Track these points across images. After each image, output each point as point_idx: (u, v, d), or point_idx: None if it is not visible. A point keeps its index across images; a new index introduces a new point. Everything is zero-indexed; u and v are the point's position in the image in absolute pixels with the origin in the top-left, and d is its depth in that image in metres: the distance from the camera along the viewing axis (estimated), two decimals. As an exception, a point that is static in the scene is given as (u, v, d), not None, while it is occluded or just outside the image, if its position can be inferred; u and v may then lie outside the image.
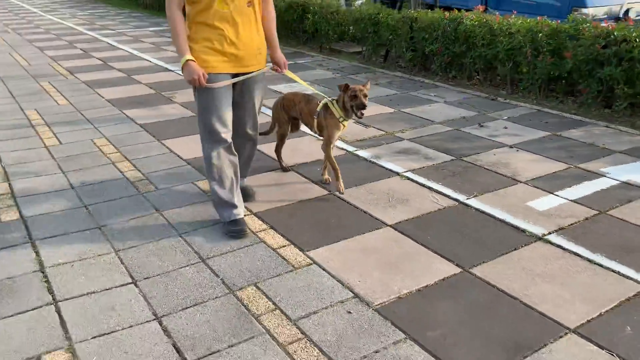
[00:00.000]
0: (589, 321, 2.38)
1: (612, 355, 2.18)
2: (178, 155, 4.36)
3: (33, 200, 3.57)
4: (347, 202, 3.52)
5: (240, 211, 3.14)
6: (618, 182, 3.83)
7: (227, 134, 3.04)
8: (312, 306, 2.47)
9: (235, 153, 3.14)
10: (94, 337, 2.28)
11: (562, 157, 4.28)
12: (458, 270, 2.77)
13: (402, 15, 7.69)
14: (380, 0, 10.84)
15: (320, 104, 3.57)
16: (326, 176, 3.81)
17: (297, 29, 9.94)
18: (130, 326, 2.35)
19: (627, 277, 2.70)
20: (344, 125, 3.54)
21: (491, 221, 3.28)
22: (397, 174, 3.97)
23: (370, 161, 4.23)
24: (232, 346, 2.23)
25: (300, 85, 3.69)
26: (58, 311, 2.46)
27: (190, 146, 4.50)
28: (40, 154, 4.44)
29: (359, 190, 3.68)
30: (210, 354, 2.19)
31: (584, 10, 8.47)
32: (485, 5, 9.79)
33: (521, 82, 6.40)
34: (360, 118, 3.43)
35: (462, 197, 3.59)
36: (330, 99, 3.56)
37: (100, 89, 6.58)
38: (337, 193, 3.58)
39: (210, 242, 3.04)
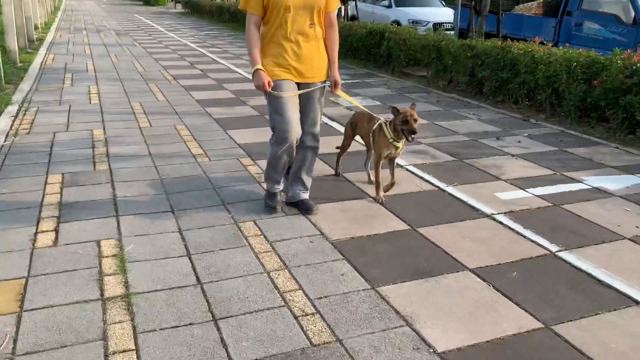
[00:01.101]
0: (487, 266, 3.12)
1: (488, 284, 2.91)
2: (234, 140, 5.50)
3: (120, 159, 4.84)
4: (347, 180, 4.43)
5: (279, 186, 3.73)
6: (590, 187, 4.40)
7: (291, 133, 3.45)
8: (286, 234, 3.43)
9: (293, 156, 3.60)
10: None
11: (553, 167, 4.89)
12: (407, 227, 3.59)
13: (461, 43, 8.45)
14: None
15: (376, 124, 3.93)
16: (380, 194, 4.00)
17: (375, 53, 10.96)
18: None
19: (540, 245, 3.38)
20: (395, 147, 3.83)
21: (456, 202, 4.05)
22: (400, 166, 4.80)
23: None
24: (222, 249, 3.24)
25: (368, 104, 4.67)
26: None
27: (246, 136, 5.62)
28: (134, 132, 5.78)
29: (362, 174, 4.55)
30: (205, 252, 3.21)
31: (649, 46, 8.73)
32: (557, 39, 10.27)
33: (560, 108, 6.92)
34: (411, 142, 3.77)
35: (442, 185, 4.37)
36: (384, 120, 3.91)
37: (193, 92, 7.99)
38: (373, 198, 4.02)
39: (236, 192, 4.10)
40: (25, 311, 2.59)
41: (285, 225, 3.58)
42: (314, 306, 2.69)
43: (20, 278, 2.87)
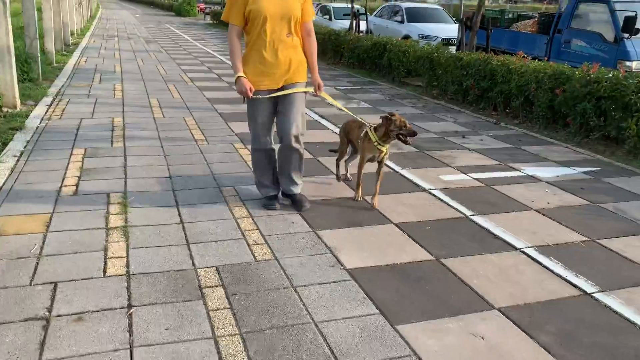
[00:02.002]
0: (409, 222, 3.92)
1: (403, 233, 3.73)
2: (232, 130, 6.41)
3: (134, 140, 5.77)
4: (315, 158, 5.28)
5: (273, 190, 4.06)
6: (525, 174, 5.17)
7: (267, 137, 3.84)
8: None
9: (274, 156, 3.94)
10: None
11: (501, 159, 5.66)
12: (353, 194, 4.42)
13: (450, 55, 9.27)
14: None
15: (364, 130, 4.20)
16: (359, 194, 4.31)
17: (378, 64, 11.83)
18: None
19: (459, 211, 4.17)
20: (379, 150, 4.09)
21: (403, 179, 4.87)
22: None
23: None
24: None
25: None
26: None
27: (243, 127, 6.49)
28: (148, 121, 6.73)
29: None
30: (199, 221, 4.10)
31: (627, 63, 9.41)
32: (548, 55, 10.99)
33: (531, 114, 7.67)
34: (407, 144, 4.11)
35: (397, 168, 5.19)
36: (370, 126, 4.18)
37: (206, 92, 8.96)
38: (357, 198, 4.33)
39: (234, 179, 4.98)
40: (49, 232, 3.50)
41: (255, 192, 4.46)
42: (264, 239, 3.55)
43: (47, 213, 3.79)
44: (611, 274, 3.28)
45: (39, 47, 9.19)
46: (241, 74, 3.66)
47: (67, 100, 7.76)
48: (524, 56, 8.29)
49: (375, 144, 4.06)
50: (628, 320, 2.81)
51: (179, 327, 2.58)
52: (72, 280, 2.93)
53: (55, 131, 6.00)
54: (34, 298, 2.75)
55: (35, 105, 7.26)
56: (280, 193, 4.16)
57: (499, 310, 2.84)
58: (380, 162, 4.23)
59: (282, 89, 3.79)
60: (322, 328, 2.62)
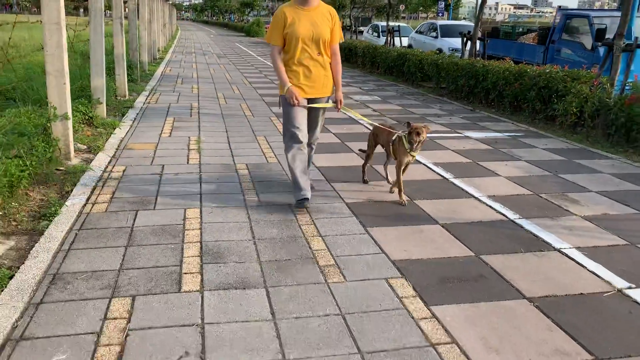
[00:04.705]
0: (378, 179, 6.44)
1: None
2: (272, 111, 9.13)
3: (204, 115, 8.58)
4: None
5: (305, 193, 4.28)
6: (462, 135, 7.55)
7: (301, 135, 4.27)
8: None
9: (306, 152, 4.36)
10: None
11: (454, 128, 8.03)
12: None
13: (450, 60, 11.66)
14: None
15: (395, 136, 4.57)
16: (403, 198, 4.59)
17: (402, 71, 14.33)
18: (218, 136, 7.13)
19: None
20: (412, 156, 4.45)
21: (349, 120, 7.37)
22: (350, 117, 8.17)
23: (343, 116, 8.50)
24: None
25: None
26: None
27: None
28: (215, 105, 9.59)
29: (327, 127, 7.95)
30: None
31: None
32: (545, 62, 13.13)
33: (503, 104, 9.94)
34: (410, 150, 4.41)
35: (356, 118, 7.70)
36: (402, 132, 4.56)
37: (259, 90, 11.81)
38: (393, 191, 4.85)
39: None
40: (157, 150, 6.28)
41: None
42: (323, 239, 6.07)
43: (153, 143, 6.59)
44: (467, 170, 5.67)
45: (138, 57, 12.36)
46: (289, 84, 4.23)
47: (159, 93, 10.80)
48: (500, 59, 10.58)
49: (408, 150, 4.42)
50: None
51: (223, 179, 5.26)
52: (172, 165, 5.66)
53: (153, 109, 8.96)
54: (153, 170, 5.50)
55: (138, 96, 10.31)
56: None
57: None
58: (406, 166, 4.60)
59: (312, 100, 4.36)
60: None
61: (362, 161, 5.29)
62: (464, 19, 57.30)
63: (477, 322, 2.83)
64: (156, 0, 19.36)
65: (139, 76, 12.30)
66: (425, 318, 2.85)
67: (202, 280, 3.17)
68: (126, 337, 2.60)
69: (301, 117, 4.30)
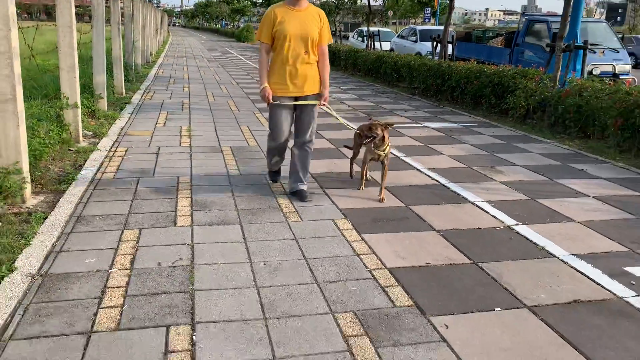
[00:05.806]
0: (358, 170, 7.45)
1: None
2: (255, 106, 10.14)
3: (195, 109, 9.58)
4: (302, 118, 8.90)
5: (273, 168, 5.03)
6: (422, 126, 8.58)
7: (282, 137, 4.60)
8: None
9: (283, 154, 4.86)
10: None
11: (417, 120, 9.07)
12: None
13: (420, 62, 12.73)
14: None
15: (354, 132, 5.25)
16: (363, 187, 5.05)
17: (378, 72, 15.39)
18: (206, 126, 8.14)
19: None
20: (377, 153, 4.76)
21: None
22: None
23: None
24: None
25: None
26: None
27: (262, 105, 10.24)
28: (204, 101, 10.59)
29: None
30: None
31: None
32: (510, 61, 14.25)
33: (464, 100, 11.01)
34: (365, 145, 4.78)
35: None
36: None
37: (245, 89, 12.83)
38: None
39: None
40: (153, 135, 7.26)
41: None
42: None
43: (149, 131, 7.58)
44: (417, 151, 6.69)
45: (133, 60, 13.34)
46: (265, 84, 4.47)
47: (153, 92, 11.79)
48: (464, 60, 11.66)
49: (373, 147, 4.76)
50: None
51: (210, 157, 6.27)
52: (167, 147, 6.64)
53: (149, 104, 9.94)
54: (151, 150, 6.49)
55: (134, 94, 11.29)
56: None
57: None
58: (382, 163, 4.86)
59: (299, 98, 4.53)
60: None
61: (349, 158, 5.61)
62: (454, 24, 58.90)
63: (394, 243, 3.85)
64: (149, 6, 20.37)
65: (134, 77, 13.27)
66: (356, 240, 3.87)
67: (192, 220, 4.17)
68: (136, 250, 3.59)
69: (283, 118, 4.56)
